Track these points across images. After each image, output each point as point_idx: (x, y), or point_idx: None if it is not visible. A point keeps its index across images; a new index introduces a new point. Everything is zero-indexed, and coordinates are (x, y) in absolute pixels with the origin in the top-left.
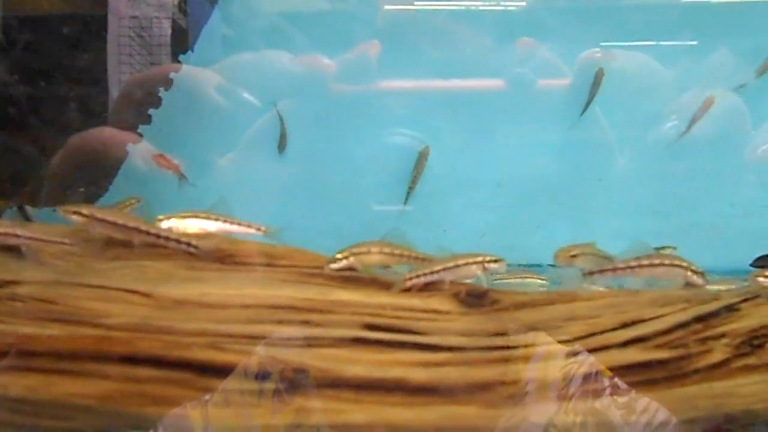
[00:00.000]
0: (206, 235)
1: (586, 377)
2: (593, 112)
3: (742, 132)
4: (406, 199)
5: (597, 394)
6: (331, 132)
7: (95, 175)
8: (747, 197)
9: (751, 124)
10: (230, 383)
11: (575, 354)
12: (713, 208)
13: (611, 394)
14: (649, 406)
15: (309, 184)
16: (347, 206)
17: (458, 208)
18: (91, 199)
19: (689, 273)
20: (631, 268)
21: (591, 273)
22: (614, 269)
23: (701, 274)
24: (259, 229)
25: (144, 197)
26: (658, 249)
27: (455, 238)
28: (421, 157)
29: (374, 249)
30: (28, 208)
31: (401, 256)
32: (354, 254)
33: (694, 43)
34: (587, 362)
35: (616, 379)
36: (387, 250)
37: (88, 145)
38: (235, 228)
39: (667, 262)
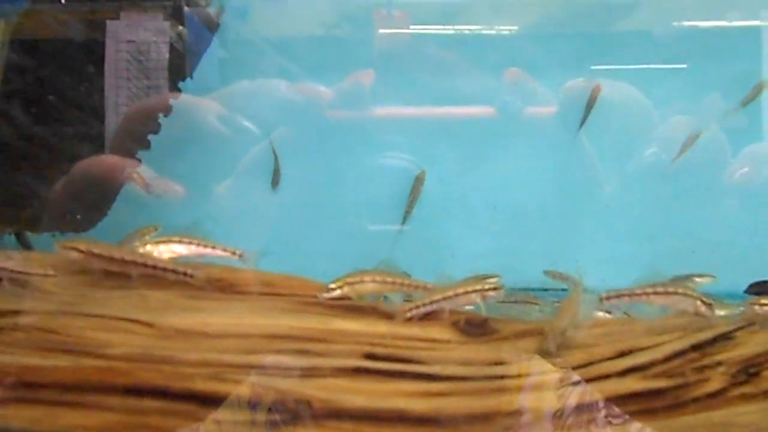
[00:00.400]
0: (203, 265)
1: (583, 406)
2: (580, 140)
3: (722, 158)
4: (404, 221)
5: (593, 421)
6: (328, 157)
7: (95, 201)
8: (731, 222)
9: (730, 151)
10: (225, 414)
11: (574, 382)
12: (703, 232)
13: (607, 422)
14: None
15: (305, 209)
16: (343, 229)
17: (455, 231)
18: (89, 224)
19: (699, 303)
20: (647, 294)
21: (608, 298)
22: (630, 295)
23: (710, 305)
24: (234, 253)
25: (141, 221)
26: (692, 276)
27: (452, 261)
28: (418, 181)
29: (367, 278)
30: (27, 235)
31: (394, 284)
32: (348, 284)
33: (684, 65)
34: (584, 390)
35: (610, 406)
36: (379, 278)
37: (92, 172)
38: (209, 251)
39: (680, 291)
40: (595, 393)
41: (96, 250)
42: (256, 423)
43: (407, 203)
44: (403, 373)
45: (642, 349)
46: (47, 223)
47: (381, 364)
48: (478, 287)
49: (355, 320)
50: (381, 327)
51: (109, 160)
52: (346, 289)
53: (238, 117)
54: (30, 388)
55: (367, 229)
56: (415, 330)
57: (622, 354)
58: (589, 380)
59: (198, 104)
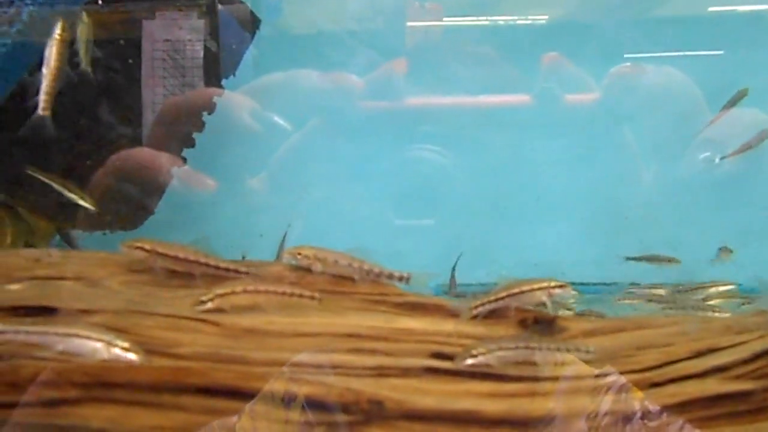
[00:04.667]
0: (263, 264)
1: (658, 408)
2: (619, 128)
3: None
4: None
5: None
6: (359, 148)
7: (139, 196)
8: None
9: None
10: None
11: (652, 384)
12: (754, 224)
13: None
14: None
15: (336, 201)
16: (373, 223)
17: (495, 225)
18: (136, 222)
19: None
20: None
21: None
22: None
23: None
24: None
25: (181, 217)
26: None
27: (494, 256)
28: None
29: (239, 289)
30: (73, 234)
31: (267, 292)
32: (219, 296)
33: (721, 52)
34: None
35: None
36: (251, 288)
37: (126, 166)
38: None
39: None
40: (666, 396)
41: (161, 249)
42: (325, 423)
43: None
44: (472, 373)
45: (721, 349)
46: (84, 217)
47: (450, 364)
48: (544, 284)
49: (420, 319)
50: (447, 325)
51: (143, 153)
52: (217, 302)
53: (270, 109)
54: (105, 388)
55: (393, 221)
56: (481, 329)
57: (699, 354)
58: (667, 381)
59: (232, 100)
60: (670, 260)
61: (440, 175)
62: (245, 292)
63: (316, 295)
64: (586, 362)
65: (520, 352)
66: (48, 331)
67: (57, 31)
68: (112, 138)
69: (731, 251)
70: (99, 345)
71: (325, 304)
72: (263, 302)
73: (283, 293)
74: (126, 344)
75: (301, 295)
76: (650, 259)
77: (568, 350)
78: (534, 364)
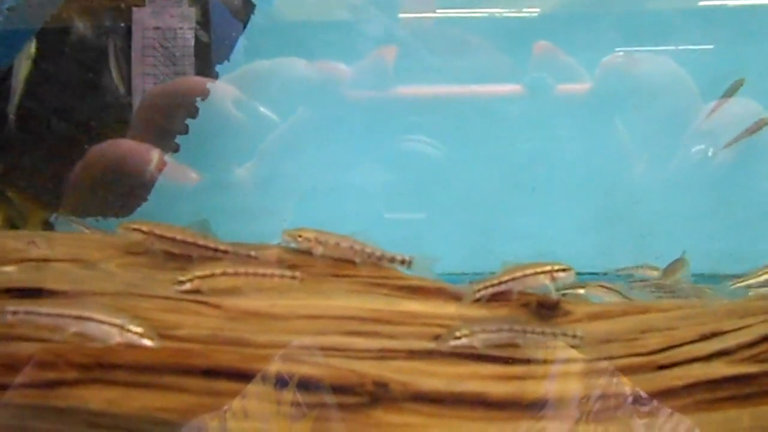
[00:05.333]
0: (264, 247)
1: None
2: (611, 118)
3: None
4: None
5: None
6: (347, 139)
7: (126, 186)
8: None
9: None
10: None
11: (658, 367)
12: (743, 216)
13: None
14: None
15: (324, 192)
16: (361, 213)
17: (490, 216)
18: (130, 207)
19: None
20: None
21: None
22: None
23: None
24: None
25: (165, 207)
26: None
27: (489, 248)
28: None
29: (218, 271)
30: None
31: (247, 274)
32: (198, 277)
33: (711, 46)
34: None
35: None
36: (231, 270)
37: (105, 158)
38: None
39: None
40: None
41: (158, 231)
42: (330, 405)
43: None
44: (478, 356)
45: (725, 333)
46: (67, 205)
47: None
48: (548, 268)
49: (423, 301)
50: (449, 308)
51: (124, 144)
52: (196, 283)
53: (257, 100)
54: (105, 369)
55: (382, 213)
56: (483, 312)
57: (704, 337)
58: (673, 365)
59: (218, 89)
60: (655, 270)
61: (432, 166)
62: (225, 275)
63: (297, 274)
64: (574, 347)
65: (504, 335)
66: (62, 314)
67: None
68: (101, 125)
69: (684, 262)
70: (113, 330)
71: (326, 287)
72: (243, 284)
73: (264, 274)
74: (140, 329)
75: (282, 276)
76: (637, 268)
77: (554, 335)
78: (518, 346)
